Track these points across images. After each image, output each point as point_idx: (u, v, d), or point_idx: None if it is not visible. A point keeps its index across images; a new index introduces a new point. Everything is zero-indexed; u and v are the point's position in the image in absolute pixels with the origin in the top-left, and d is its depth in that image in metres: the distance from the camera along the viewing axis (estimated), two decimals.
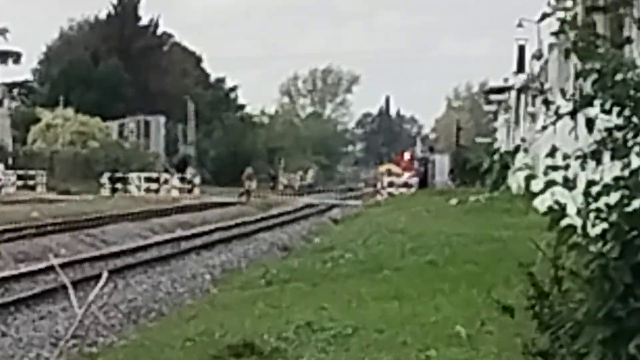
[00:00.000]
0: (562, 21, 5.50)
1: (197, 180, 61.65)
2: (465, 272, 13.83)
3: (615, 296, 5.07)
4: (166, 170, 66.23)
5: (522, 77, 37.40)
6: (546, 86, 27.06)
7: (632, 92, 5.18)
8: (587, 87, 5.33)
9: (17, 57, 76.94)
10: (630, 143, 5.20)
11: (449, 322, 9.96)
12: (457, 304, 11.16)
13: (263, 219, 39.28)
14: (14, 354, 12.34)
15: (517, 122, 40.35)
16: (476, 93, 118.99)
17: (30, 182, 58.79)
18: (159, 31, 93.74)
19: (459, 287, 12.35)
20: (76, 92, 77.10)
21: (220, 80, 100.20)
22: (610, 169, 5.29)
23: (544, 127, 5.76)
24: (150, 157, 72.57)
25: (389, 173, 62.89)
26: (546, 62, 30.20)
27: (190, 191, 58.99)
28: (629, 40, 6.01)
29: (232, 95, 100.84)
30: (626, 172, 5.18)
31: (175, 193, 57.34)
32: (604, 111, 5.24)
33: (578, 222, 5.23)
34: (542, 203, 5.79)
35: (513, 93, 41.35)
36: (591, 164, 5.26)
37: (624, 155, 5.19)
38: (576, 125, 5.42)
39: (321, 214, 44.42)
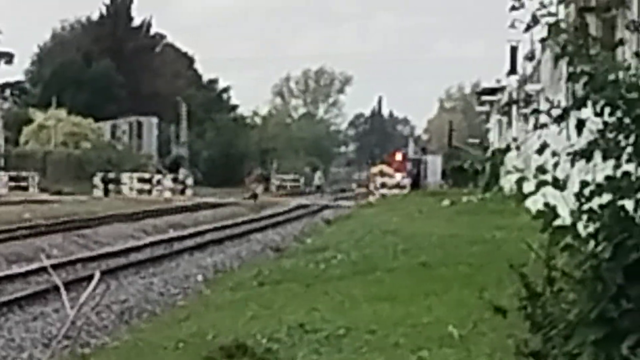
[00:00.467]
0: (550, 26, 5.48)
1: (189, 181, 61.62)
2: (457, 273, 13.83)
3: (607, 297, 5.08)
4: (159, 171, 66.06)
5: (515, 77, 37.39)
6: (539, 87, 27.07)
7: (624, 93, 5.18)
8: (579, 90, 5.33)
9: (9, 57, 77.12)
10: (622, 144, 5.20)
11: (442, 323, 9.97)
12: (450, 304, 11.16)
13: (255, 220, 39.25)
14: (6, 355, 12.32)
15: (509, 123, 40.35)
16: (468, 94, 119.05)
17: (23, 183, 58.74)
18: (152, 32, 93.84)
19: (452, 288, 12.36)
20: (69, 93, 76.92)
21: (213, 81, 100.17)
22: (603, 170, 5.29)
23: (536, 127, 5.76)
24: (142, 158, 72.50)
25: (382, 174, 62.61)
26: (539, 62, 30.22)
27: (182, 192, 58.93)
28: (621, 42, 6.00)
29: (225, 96, 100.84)
30: (618, 173, 5.19)
31: (167, 194, 57.22)
32: (595, 113, 5.24)
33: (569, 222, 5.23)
34: (534, 204, 5.78)
35: (505, 94, 41.35)
36: (581, 162, 5.26)
37: (615, 155, 5.19)
38: (568, 126, 5.42)
39: (313, 214, 44.38)
